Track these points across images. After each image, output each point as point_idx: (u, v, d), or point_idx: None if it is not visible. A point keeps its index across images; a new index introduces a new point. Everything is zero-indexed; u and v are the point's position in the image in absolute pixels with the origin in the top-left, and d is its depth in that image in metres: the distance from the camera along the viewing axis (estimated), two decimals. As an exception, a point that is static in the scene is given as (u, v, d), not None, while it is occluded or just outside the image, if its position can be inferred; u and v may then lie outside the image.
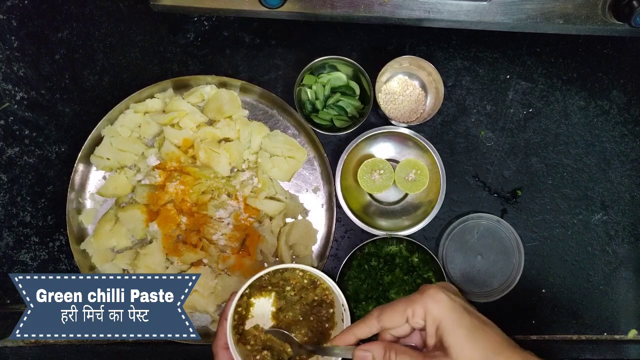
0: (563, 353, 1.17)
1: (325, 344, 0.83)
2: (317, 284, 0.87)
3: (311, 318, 0.84)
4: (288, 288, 0.85)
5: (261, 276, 0.83)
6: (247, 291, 0.84)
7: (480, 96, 1.20)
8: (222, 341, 0.79)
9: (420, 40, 1.21)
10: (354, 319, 1.08)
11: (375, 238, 1.11)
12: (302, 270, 0.87)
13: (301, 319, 0.86)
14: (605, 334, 1.18)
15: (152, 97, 1.14)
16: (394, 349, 0.65)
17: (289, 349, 0.83)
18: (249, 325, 0.83)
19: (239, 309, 0.83)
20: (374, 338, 0.73)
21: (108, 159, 1.11)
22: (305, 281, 0.86)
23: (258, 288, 0.84)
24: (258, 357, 0.83)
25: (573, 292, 1.18)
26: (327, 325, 0.85)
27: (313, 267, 1.12)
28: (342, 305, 0.83)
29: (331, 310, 0.87)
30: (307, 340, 0.84)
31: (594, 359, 1.17)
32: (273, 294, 0.86)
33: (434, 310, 0.63)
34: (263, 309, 0.86)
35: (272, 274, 0.85)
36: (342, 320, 0.83)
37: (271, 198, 1.14)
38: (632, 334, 1.18)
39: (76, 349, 1.14)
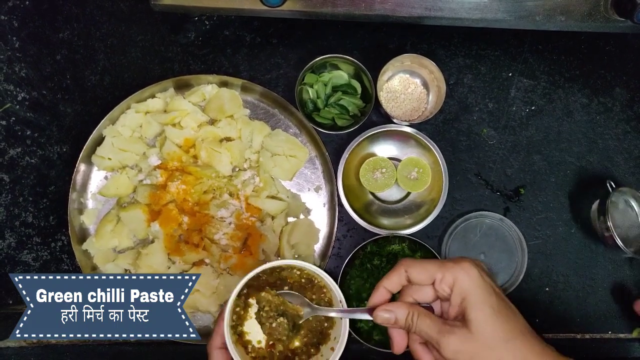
0: (567, 351, 1.16)
1: (327, 338, 0.82)
2: (314, 282, 0.85)
3: (310, 318, 0.83)
4: (286, 288, 0.84)
5: (258, 275, 0.82)
6: (244, 291, 0.82)
7: (482, 94, 1.20)
8: (218, 342, 0.78)
9: (422, 38, 1.20)
10: (357, 318, 1.08)
11: (377, 237, 1.11)
12: (300, 269, 0.85)
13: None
14: (609, 332, 1.18)
15: (153, 96, 1.14)
16: (416, 310, 0.65)
17: (302, 312, 0.81)
18: (247, 327, 0.82)
19: (237, 309, 0.81)
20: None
21: (109, 159, 1.12)
22: (303, 280, 0.85)
23: (256, 288, 0.83)
24: (274, 324, 0.80)
25: (577, 291, 1.18)
26: (326, 324, 0.83)
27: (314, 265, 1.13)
28: (340, 301, 0.81)
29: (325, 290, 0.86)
30: (306, 340, 0.83)
31: (598, 357, 1.17)
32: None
33: (464, 282, 0.62)
34: None
35: (269, 273, 0.84)
36: (341, 318, 0.81)
37: (273, 197, 1.14)
38: (636, 332, 1.17)
39: (78, 349, 1.14)
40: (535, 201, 1.19)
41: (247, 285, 0.81)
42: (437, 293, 0.67)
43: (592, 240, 1.18)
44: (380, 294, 0.69)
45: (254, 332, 0.81)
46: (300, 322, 0.81)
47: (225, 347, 0.77)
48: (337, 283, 1.08)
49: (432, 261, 0.66)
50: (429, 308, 0.70)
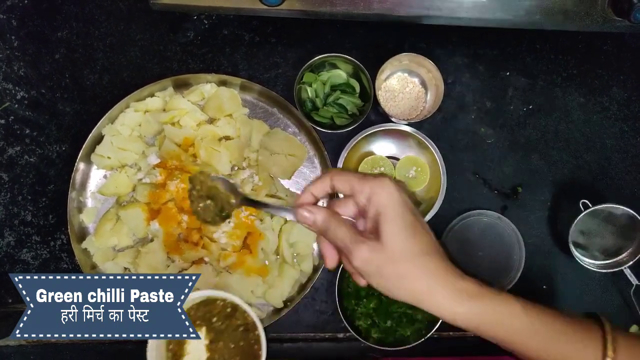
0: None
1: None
2: (237, 309, 0.89)
3: (241, 343, 0.88)
4: (214, 319, 0.88)
5: (187, 311, 0.86)
6: None
7: (480, 93, 1.20)
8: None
9: (420, 38, 1.21)
10: (356, 316, 1.09)
11: (375, 235, 1.11)
12: (222, 299, 0.89)
13: (233, 346, 0.89)
14: (606, 330, 1.18)
15: (152, 95, 1.14)
16: (336, 218, 0.66)
17: (233, 200, 0.79)
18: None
19: (170, 347, 0.84)
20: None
21: (109, 157, 1.12)
22: (228, 310, 0.89)
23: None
24: (201, 204, 0.81)
25: (574, 288, 1.18)
26: (256, 346, 0.88)
27: (314, 265, 1.13)
28: (257, 324, 0.88)
29: (256, 332, 0.89)
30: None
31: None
32: (203, 327, 0.90)
33: (380, 195, 0.63)
34: (197, 344, 0.90)
35: (196, 308, 0.89)
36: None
37: (272, 196, 1.14)
38: (633, 328, 1.18)
39: (78, 348, 1.15)
40: (532, 200, 1.19)
41: None
42: (357, 205, 0.68)
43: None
44: (306, 197, 0.69)
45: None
46: (230, 210, 0.80)
47: None
48: (336, 280, 1.09)
49: (356, 174, 0.67)
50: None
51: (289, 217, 0.71)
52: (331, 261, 0.69)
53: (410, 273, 0.61)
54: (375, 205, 0.63)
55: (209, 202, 0.80)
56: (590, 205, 1.09)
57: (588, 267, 1.13)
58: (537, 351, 0.64)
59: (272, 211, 0.75)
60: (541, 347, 0.64)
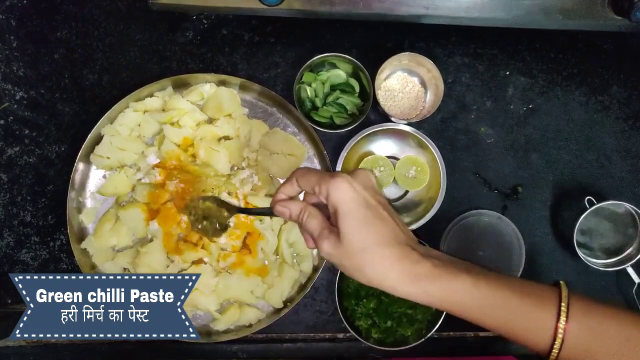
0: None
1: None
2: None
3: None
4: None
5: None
6: None
7: (480, 92, 1.20)
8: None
9: (420, 37, 1.20)
10: (355, 316, 1.08)
11: (375, 235, 1.11)
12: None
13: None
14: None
15: (151, 95, 1.14)
16: (308, 210, 0.71)
17: (226, 213, 0.93)
18: None
19: None
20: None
21: (108, 158, 1.11)
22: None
23: None
24: (200, 225, 0.96)
25: (575, 288, 1.16)
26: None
27: (314, 265, 1.13)
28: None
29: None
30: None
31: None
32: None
33: (334, 195, 0.67)
34: None
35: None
36: None
37: (271, 196, 1.13)
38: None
39: (78, 348, 1.15)
40: (533, 199, 1.19)
41: None
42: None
43: (590, 238, 1.18)
44: (279, 196, 0.75)
45: None
46: (226, 221, 0.95)
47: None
48: (336, 280, 1.09)
49: (317, 174, 0.71)
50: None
51: (270, 214, 0.80)
52: (310, 244, 0.74)
53: (365, 264, 0.66)
54: (331, 204, 0.68)
55: (205, 222, 0.95)
56: (595, 202, 1.09)
57: (593, 266, 1.13)
58: (492, 322, 0.67)
59: (259, 214, 0.91)
60: (495, 318, 0.67)
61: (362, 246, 0.66)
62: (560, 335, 0.65)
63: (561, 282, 0.69)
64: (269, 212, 0.77)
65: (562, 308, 0.65)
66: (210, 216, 0.95)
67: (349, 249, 0.67)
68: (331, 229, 0.69)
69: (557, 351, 0.65)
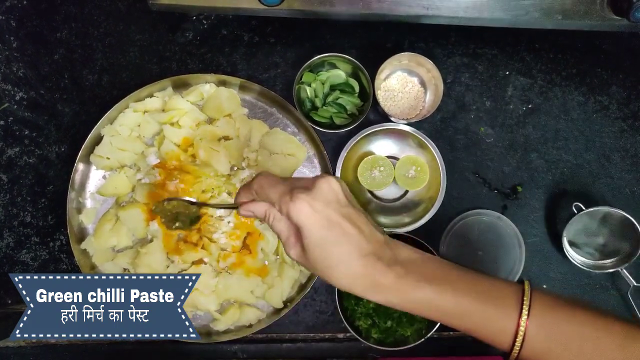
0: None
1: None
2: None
3: None
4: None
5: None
6: None
7: (479, 92, 1.20)
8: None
9: (419, 37, 1.21)
10: (355, 316, 1.08)
11: (375, 235, 1.11)
12: None
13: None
14: (606, 329, 1.18)
15: (151, 96, 1.14)
16: (274, 214, 0.72)
17: (194, 209, 1.01)
18: None
19: None
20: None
21: (108, 158, 1.12)
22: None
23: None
24: (174, 225, 1.02)
25: (574, 288, 1.18)
26: None
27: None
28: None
29: None
30: None
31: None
32: None
33: (294, 218, 0.68)
34: None
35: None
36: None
37: (271, 196, 1.14)
38: (633, 328, 1.18)
39: (78, 348, 1.15)
40: (532, 199, 1.19)
41: None
42: None
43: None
44: (239, 199, 0.77)
45: None
46: (195, 215, 1.02)
47: None
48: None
49: (275, 189, 0.71)
50: None
51: (232, 210, 0.88)
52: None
53: (331, 276, 0.68)
54: (293, 221, 0.68)
55: (178, 223, 1.01)
56: (584, 208, 1.10)
57: (581, 266, 1.13)
58: (458, 327, 0.69)
59: (219, 207, 1.05)
60: (459, 324, 0.69)
61: (325, 264, 0.68)
62: (521, 334, 0.65)
63: (525, 280, 0.70)
64: (232, 207, 0.79)
65: (524, 307, 0.66)
66: (180, 214, 1.01)
67: (314, 263, 0.69)
68: (297, 237, 0.70)
69: (518, 349, 0.66)
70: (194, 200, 1.04)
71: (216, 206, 1.05)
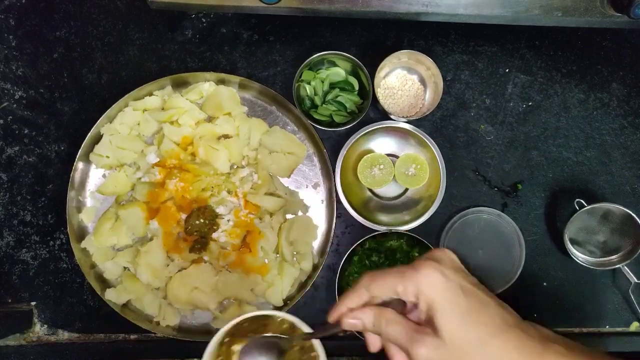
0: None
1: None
2: (296, 329, 0.79)
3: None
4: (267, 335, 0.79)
5: (240, 323, 0.77)
6: (226, 340, 0.77)
7: (479, 90, 1.20)
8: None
9: (419, 35, 1.20)
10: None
11: (375, 233, 1.11)
12: (281, 318, 0.79)
13: None
14: (607, 326, 1.18)
15: (150, 94, 1.14)
16: (385, 316, 0.62)
17: (281, 344, 0.77)
18: None
19: (219, 358, 0.76)
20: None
21: (107, 157, 1.11)
22: (285, 326, 0.79)
23: (239, 335, 0.78)
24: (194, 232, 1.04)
25: (575, 285, 1.18)
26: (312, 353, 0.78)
27: (314, 263, 1.13)
28: (315, 347, 0.76)
29: (313, 354, 0.77)
30: None
31: (596, 351, 1.17)
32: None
33: (426, 290, 0.59)
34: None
35: (251, 321, 0.79)
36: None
37: (271, 194, 1.14)
38: (634, 326, 1.18)
39: (78, 347, 1.15)
40: (532, 197, 1.19)
41: (230, 333, 0.77)
42: (407, 302, 0.65)
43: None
44: (341, 310, 0.66)
45: None
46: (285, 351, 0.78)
47: None
48: (336, 278, 1.09)
49: (392, 272, 0.62)
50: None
51: (337, 330, 0.68)
52: (374, 347, 0.66)
53: (479, 355, 0.58)
54: (424, 301, 0.59)
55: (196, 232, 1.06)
56: (586, 205, 1.09)
57: (582, 264, 1.13)
58: None
59: (319, 335, 0.73)
60: None
61: (474, 342, 0.58)
62: None
63: None
64: (331, 329, 0.67)
65: None
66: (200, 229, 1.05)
67: (458, 348, 0.58)
68: (421, 330, 0.60)
69: None
70: (301, 336, 0.77)
71: (319, 334, 0.74)
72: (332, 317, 0.66)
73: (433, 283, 0.59)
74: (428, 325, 0.60)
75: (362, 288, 0.64)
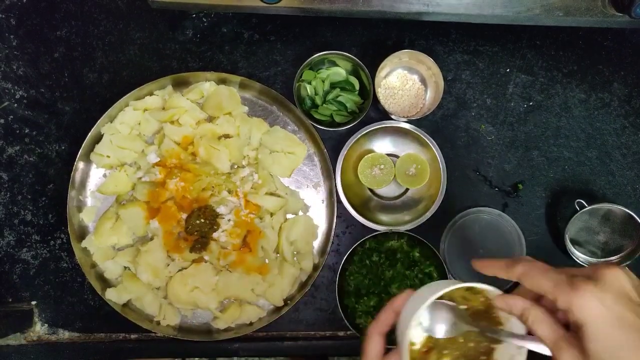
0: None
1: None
2: (490, 314, 0.70)
3: (470, 344, 0.70)
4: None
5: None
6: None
7: (480, 90, 1.20)
8: (380, 329, 0.68)
9: (420, 35, 1.20)
10: (356, 314, 1.08)
11: (376, 233, 1.11)
12: (485, 295, 0.68)
13: (462, 340, 0.69)
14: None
15: (151, 94, 1.14)
16: (533, 312, 0.60)
17: (471, 344, 0.69)
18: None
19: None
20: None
21: (108, 156, 1.12)
22: (481, 307, 0.69)
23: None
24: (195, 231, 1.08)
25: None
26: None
27: (314, 263, 1.13)
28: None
29: (492, 346, 0.69)
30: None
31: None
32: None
33: (576, 313, 0.56)
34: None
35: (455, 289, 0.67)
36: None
37: (271, 194, 1.14)
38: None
39: (78, 347, 1.15)
40: (533, 197, 1.19)
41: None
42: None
43: (591, 235, 1.18)
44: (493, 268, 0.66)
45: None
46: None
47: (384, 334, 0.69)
48: (336, 278, 1.08)
49: (549, 277, 0.60)
50: None
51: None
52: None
53: None
54: (576, 318, 0.56)
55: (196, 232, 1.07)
56: (586, 205, 1.09)
57: (583, 264, 1.13)
58: None
59: (502, 336, 0.66)
60: None
61: None
62: None
63: None
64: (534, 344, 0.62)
65: None
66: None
67: None
68: (571, 341, 0.57)
69: None
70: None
71: (498, 334, 0.66)
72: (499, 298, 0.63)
73: (588, 308, 0.55)
74: (576, 337, 0.57)
75: (517, 269, 0.63)
